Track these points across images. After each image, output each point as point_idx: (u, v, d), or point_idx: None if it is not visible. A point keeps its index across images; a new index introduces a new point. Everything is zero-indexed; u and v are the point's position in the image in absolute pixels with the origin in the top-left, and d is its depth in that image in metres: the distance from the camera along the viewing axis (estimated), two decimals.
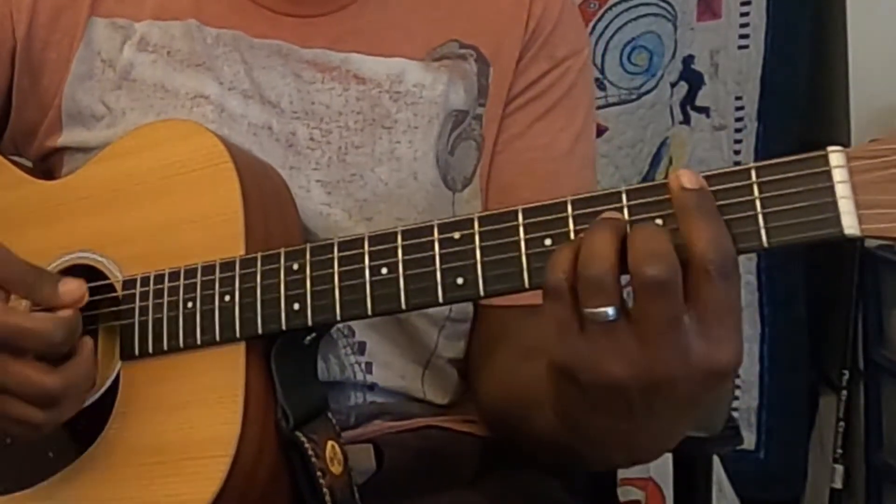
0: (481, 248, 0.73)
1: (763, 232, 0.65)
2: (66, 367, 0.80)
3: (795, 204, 0.64)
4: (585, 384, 0.67)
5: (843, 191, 0.62)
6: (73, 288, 0.82)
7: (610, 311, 0.64)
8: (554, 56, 1.03)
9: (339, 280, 0.79)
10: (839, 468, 2.06)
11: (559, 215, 0.70)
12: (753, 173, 0.64)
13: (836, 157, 0.62)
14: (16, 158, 1.05)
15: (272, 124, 0.97)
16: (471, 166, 1.01)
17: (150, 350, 0.86)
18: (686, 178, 0.66)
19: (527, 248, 0.71)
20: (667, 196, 0.67)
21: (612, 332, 0.65)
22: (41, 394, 0.79)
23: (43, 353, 0.79)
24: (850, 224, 0.62)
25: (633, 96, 2.09)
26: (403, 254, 0.77)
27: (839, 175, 0.62)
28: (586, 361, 0.66)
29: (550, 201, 0.71)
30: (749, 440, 2.14)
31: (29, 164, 1.06)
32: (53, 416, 0.80)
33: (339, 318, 0.79)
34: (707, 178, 0.66)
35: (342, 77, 0.98)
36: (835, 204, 0.62)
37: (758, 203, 0.65)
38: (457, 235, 0.74)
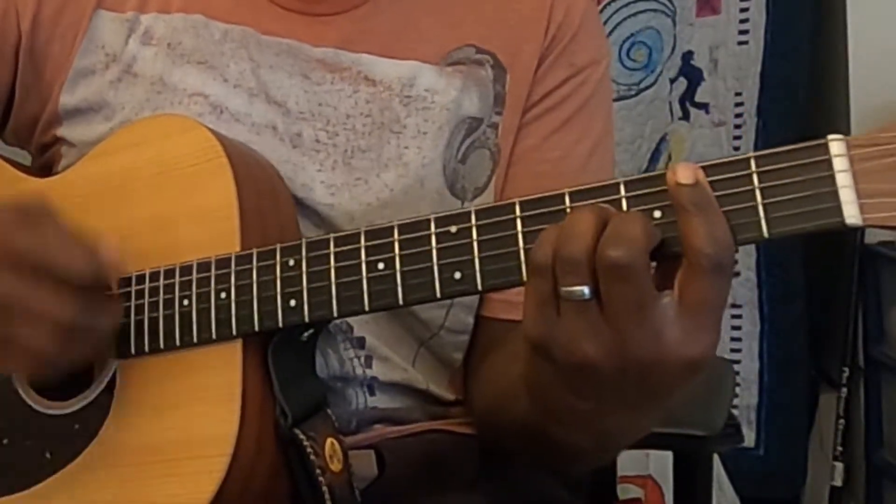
0: (478, 242, 0.73)
1: (763, 222, 0.64)
2: (85, 298, 0.78)
3: (796, 194, 0.63)
4: (559, 361, 0.68)
5: (843, 180, 0.61)
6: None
7: (585, 290, 0.65)
8: (573, 63, 1.01)
9: (336, 276, 0.79)
10: (839, 466, 2.06)
11: (557, 207, 0.70)
12: (753, 163, 0.63)
13: (836, 145, 0.62)
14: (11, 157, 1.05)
15: (277, 124, 0.96)
16: (484, 175, 0.99)
17: (147, 348, 0.86)
18: (681, 174, 0.65)
19: (525, 242, 0.71)
20: (665, 188, 0.66)
21: (585, 311, 0.66)
22: (53, 320, 0.76)
23: (65, 281, 0.77)
24: (851, 213, 0.61)
25: (632, 92, 2.09)
26: (400, 249, 0.76)
27: (840, 164, 0.61)
28: (561, 339, 0.67)
29: (548, 193, 0.71)
30: (749, 438, 2.14)
31: (26, 162, 1.06)
32: (63, 350, 0.78)
33: (336, 314, 0.79)
34: (705, 168, 0.66)
35: (352, 78, 0.96)
36: (836, 193, 0.62)
37: (758, 193, 0.64)
38: (454, 229, 0.74)
